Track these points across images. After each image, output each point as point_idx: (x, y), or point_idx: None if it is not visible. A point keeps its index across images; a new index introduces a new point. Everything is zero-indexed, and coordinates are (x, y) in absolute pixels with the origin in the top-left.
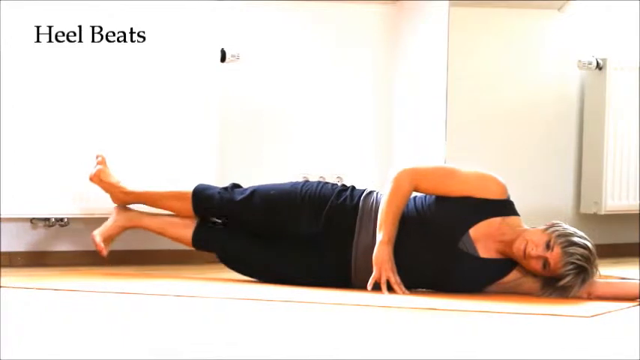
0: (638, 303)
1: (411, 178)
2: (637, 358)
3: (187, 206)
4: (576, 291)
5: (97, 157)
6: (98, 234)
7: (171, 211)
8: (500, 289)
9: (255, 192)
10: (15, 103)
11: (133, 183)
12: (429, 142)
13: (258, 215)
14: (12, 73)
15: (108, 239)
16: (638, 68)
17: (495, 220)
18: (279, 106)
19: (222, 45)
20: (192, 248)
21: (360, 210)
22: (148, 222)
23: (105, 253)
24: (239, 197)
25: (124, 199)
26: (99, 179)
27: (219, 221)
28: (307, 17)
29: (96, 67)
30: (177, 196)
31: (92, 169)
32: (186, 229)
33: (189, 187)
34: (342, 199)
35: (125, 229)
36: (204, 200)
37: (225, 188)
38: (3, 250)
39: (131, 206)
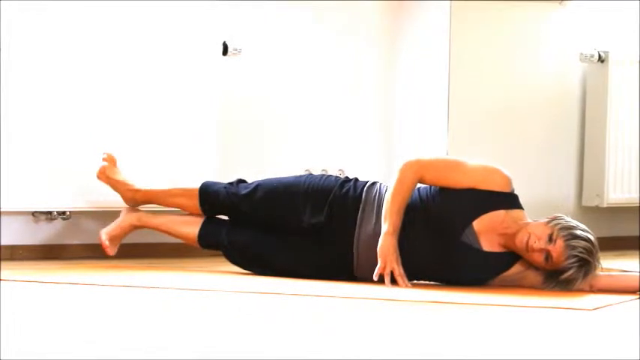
0: (639, 296)
1: (416, 169)
2: (638, 351)
3: (195, 203)
4: (579, 284)
5: (103, 154)
6: (104, 233)
7: (179, 208)
8: (503, 282)
9: (259, 186)
10: (17, 97)
11: (138, 180)
12: (431, 135)
13: (261, 208)
14: (13, 70)
15: (115, 238)
16: None
17: (499, 213)
18: (280, 99)
19: (224, 38)
20: (198, 246)
21: (362, 201)
22: (155, 222)
23: (110, 252)
24: (244, 191)
25: (133, 197)
26: (105, 176)
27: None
28: (309, 11)
29: (97, 62)
30: (185, 193)
31: (98, 166)
32: (192, 227)
33: (195, 185)
34: (345, 189)
35: (135, 227)
36: (210, 196)
37: (231, 183)
38: (5, 243)
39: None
